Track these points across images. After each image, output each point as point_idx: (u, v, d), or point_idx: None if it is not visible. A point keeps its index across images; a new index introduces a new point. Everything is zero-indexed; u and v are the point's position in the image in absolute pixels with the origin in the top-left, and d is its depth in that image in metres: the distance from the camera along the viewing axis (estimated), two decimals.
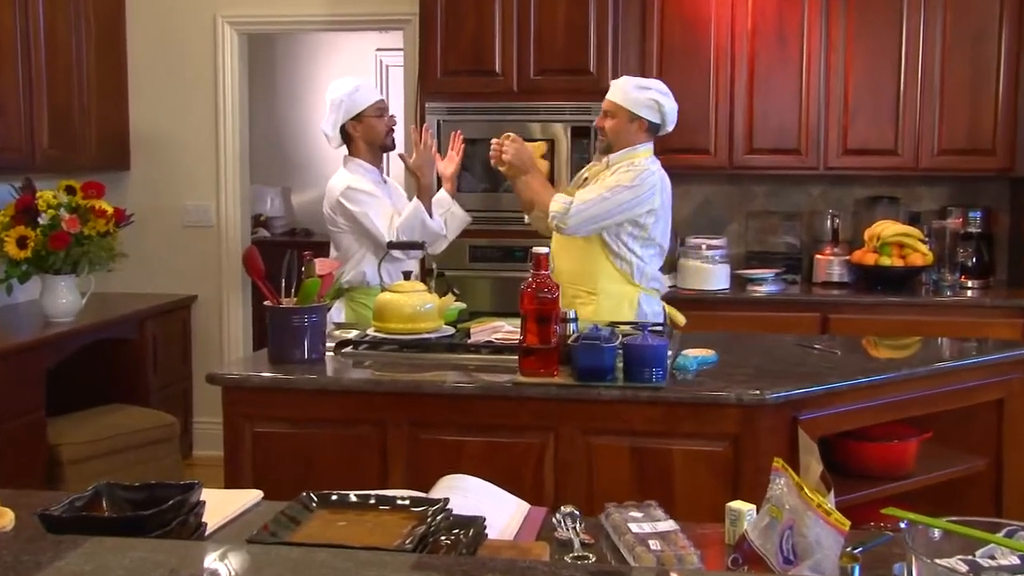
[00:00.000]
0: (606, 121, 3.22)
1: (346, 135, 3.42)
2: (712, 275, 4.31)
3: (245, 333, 4.91)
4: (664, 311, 3.38)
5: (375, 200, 3.32)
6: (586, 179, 3.32)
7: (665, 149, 4.42)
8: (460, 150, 3.51)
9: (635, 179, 3.10)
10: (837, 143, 4.35)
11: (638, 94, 3.17)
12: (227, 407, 2.52)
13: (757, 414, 2.30)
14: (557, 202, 3.12)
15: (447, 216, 3.49)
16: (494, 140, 3.24)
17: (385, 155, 3.53)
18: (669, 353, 2.53)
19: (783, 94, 4.35)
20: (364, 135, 3.39)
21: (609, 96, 3.22)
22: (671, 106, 3.21)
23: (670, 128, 3.27)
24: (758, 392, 2.30)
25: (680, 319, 3.41)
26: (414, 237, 3.24)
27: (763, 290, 4.28)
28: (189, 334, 4.87)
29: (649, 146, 3.26)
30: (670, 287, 4.38)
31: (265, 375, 2.50)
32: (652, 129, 3.21)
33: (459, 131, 3.53)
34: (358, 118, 3.37)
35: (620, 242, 3.17)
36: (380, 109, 3.39)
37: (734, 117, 4.39)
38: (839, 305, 4.16)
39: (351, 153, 3.46)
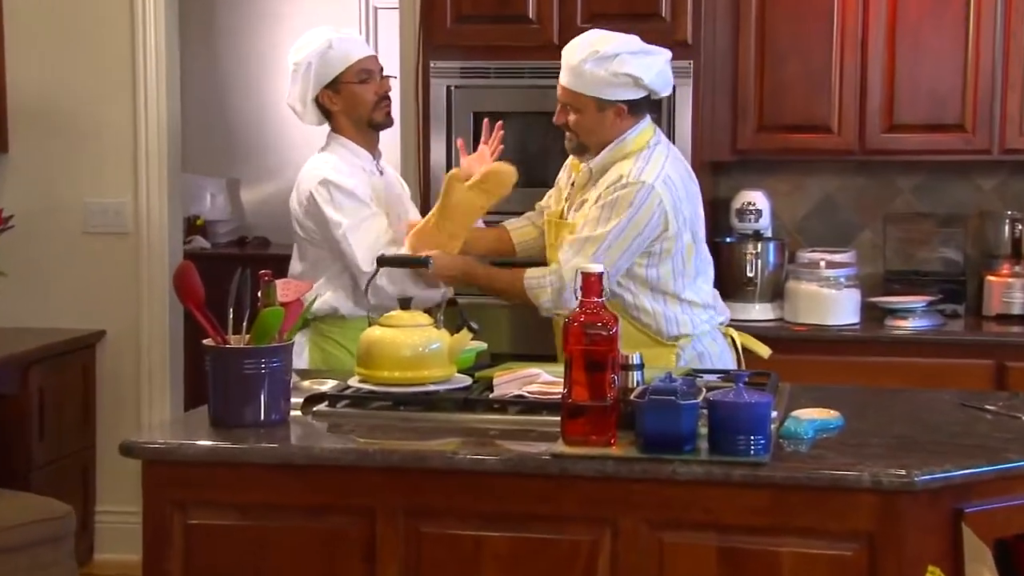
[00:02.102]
0: (567, 116, 3.23)
1: (324, 109, 3.48)
2: (835, 304, 4.32)
3: (174, 384, 4.95)
4: (735, 345, 3.39)
5: (361, 207, 3.35)
6: (567, 198, 3.34)
7: (763, 127, 4.48)
8: (498, 146, 3.52)
9: (630, 205, 3.12)
10: (1020, 116, 4.36)
11: (597, 70, 3.14)
12: (148, 490, 2.54)
13: (902, 504, 2.30)
14: (539, 283, 3.19)
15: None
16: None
17: (380, 133, 3.55)
18: (774, 414, 2.54)
19: (939, 48, 4.38)
20: (345, 108, 3.45)
21: (563, 80, 3.21)
22: (654, 66, 3.18)
23: (665, 92, 3.27)
24: (903, 472, 2.31)
25: (762, 350, 3.41)
26: (405, 289, 3.27)
27: (909, 326, 4.29)
28: (93, 386, 4.91)
29: (643, 127, 3.25)
30: (775, 320, 4.39)
31: (203, 444, 2.53)
32: (638, 107, 3.21)
33: (500, 121, 3.57)
34: (334, 86, 3.43)
35: (631, 290, 3.21)
36: (365, 71, 3.43)
37: (867, 81, 4.42)
38: (1022, 348, 4.16)
39: (334, 130, 3.50)
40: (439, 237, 3.33)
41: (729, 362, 3.36)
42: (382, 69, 3.50)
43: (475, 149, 3.55)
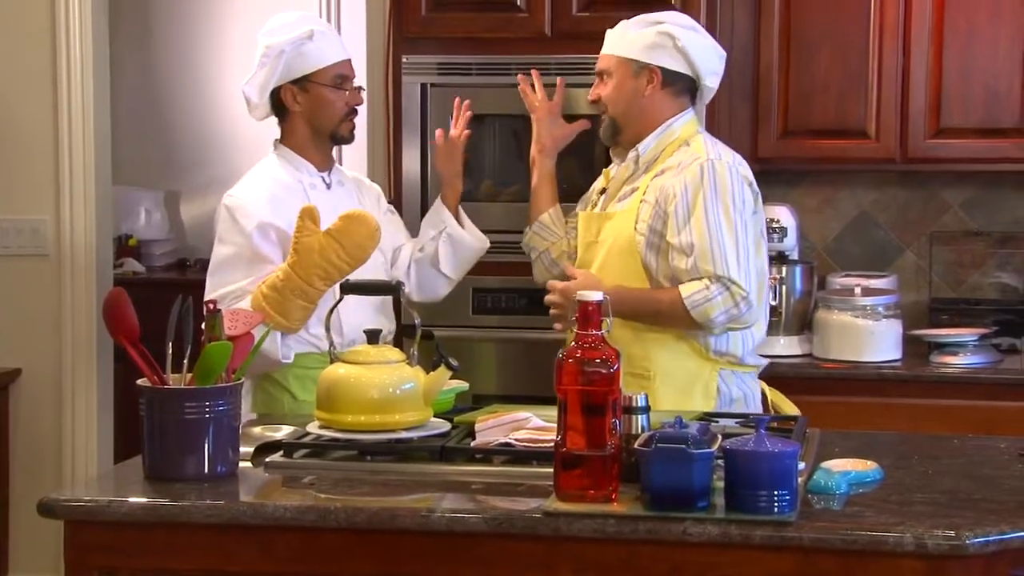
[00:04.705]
0: (604, 89, 3.39)
1: (280, 106, 3.50)
2: (872, 338, 4.34)
3: (103, 431, 4.94)
4: (764, 396, 3.42)
5: (240, 250, 3.36)
6: (595, 202, 3.45)
7: (788, 132, 4.50)
8: (463, 129, 3.61)
9: (721, 170, 3.25)
10: None
11: (640, 31, 3.34)
12: (71, 556, 2.53)
13: (951, 571, 2.31)
14: (704, 297, 3.20)
15: (443, 243, 3.57)
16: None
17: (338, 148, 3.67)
18: (801, 466, 2.55)
19: (994, 39, 4.40)
20: (308, 112, 3.48)
21: (602, 49, 3.42)
22: (703, 44, 3.37)
23: (711, 82, 3.42)
24: (952, 534, 2.31)
25: (788, 407, 3.45)
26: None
27: (959, 363, 4.30)
28: (6, 434, 4.90)
29: (690, 117, 3.40)
30: (802, 356, 4.40)
31: (137, 501, 2.52)
32: (681, 88, 3.37)
33: (467, 100, 3.62)
34: (302, 83, 3.46)
35: (681, 283, 3.26)
36: (341, 77, 3.47)
37: (910, 78, 4.45)
38: None
39: (282, 137, 3.55)
40: (283, 302, 3.25)
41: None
42: (354, 75, 3.55)
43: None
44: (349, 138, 3.55)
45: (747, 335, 3.35)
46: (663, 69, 3.34)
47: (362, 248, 3.20)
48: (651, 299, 3.30)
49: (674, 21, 3.38)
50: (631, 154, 3.40)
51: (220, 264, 3.42)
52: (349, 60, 3.53)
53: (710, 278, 3.21)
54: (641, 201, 3.32)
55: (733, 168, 3.31)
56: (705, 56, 3.38)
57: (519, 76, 3.78)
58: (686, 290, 3.23)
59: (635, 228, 3.31)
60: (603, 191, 3.51)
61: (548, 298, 3.36)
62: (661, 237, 3.28)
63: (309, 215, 3.22)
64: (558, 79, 3.75)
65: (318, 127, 3.49)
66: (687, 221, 3.24)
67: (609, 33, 3.43)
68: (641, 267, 3.30)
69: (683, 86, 3.39)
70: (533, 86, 3.74)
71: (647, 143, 3.38)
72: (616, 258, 3.34)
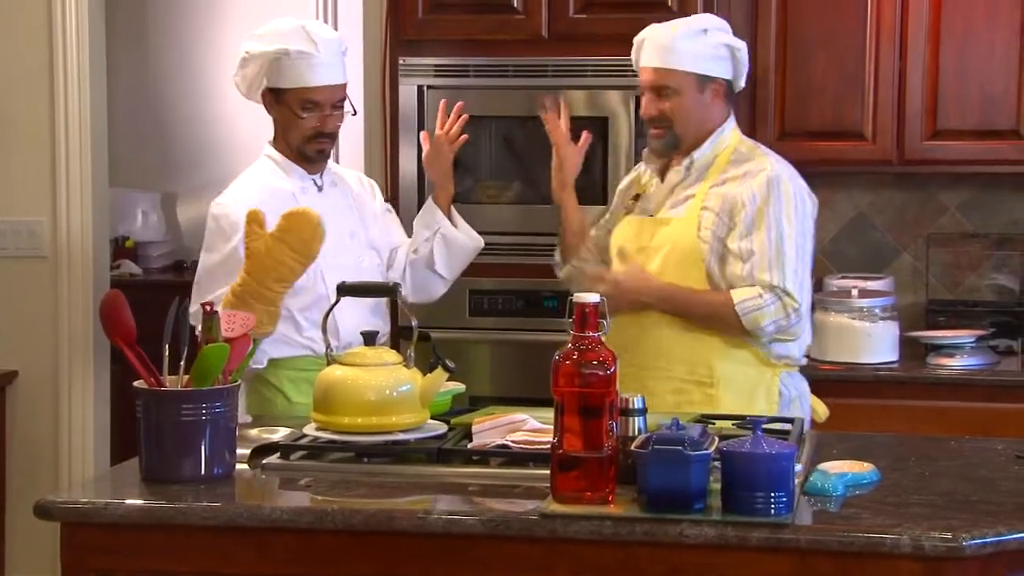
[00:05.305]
0: (665, 104, 3.34)
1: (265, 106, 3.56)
2: (869, 340, 4.35)
3: (99, 433, 4.93)
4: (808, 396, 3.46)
5: (228, 259, 3.36)
6: (630, 207, 3.43)
7: (785, 133, 4.50)
8: (458, 136, 3.59)
9: (793, 195, 3.28)
10: None
11: (694, 44, 3.31)
12: (68, 558, 2.54)
13: (948, 572, 2.31)
14: (755, 304, 3.21)
15: (437, 243, 3.57)
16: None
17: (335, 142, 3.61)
18: (798, 467, 2.55)
19: (991, 41, 4.41)
20: (279, 123, 3.53)
21: (654, 62, 3.34)
22: (743, 46, 3.39)
23: (742, 82, 3.45)
24: (949, 536, 2.31)
25: (821, 411, 3.47)
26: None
27: (956, 364, 4.31)
28: (3, 436, 4.90)
29: (734, 122, 3.44)
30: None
31: (134, 504, 2.53)
32: (731, 90, 3.40)
33: (460, 103, 3.61)
34: (278, 94, 3.48)
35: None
36: (311, 103, 3.45)
37: (906, 82, 4.46)
38: None
39: (274, 138, 3.57)
40: (245, 308, 3.09)
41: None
42: (342, 101, 3.50)
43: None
44: (315, 158, 3.52)
45: (803, 337, 3.39)
46: (723, 80, 3.35)
47: (308, 244, 3.14)
48: (702, 300, 3.31)
49: (720, 27, 3.37)
50: (685, 161, 3.38)
51: (206, 272, 3.43)
52: (331, 86, 3.46)
53: (764, 287, 3.23)
54: (702, 209, 3.31)
55: (797, 180, 3.34)
56: (746, 61, 3.41)
57: (545, 103, 3.62)
58: (738, 295, 3.24)
59: (698, 236, 3.30)
60: (636, 196, 3.48)
61: (602, 288, 3.26)
62: (725, 245, 3.29)
63: (254, 219, 3.19)
64: (561, 102, 3.61)
65: (286, 140, 3.51)
66: (751, 230, 3.26)
67: (654, 41, 3.36)
68: (703, 274, 3.29)
69: (731, 92, 3.42)
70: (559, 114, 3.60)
71: (703, 151, 3.37)
72: (675, 264, 3.31)
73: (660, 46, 3.34)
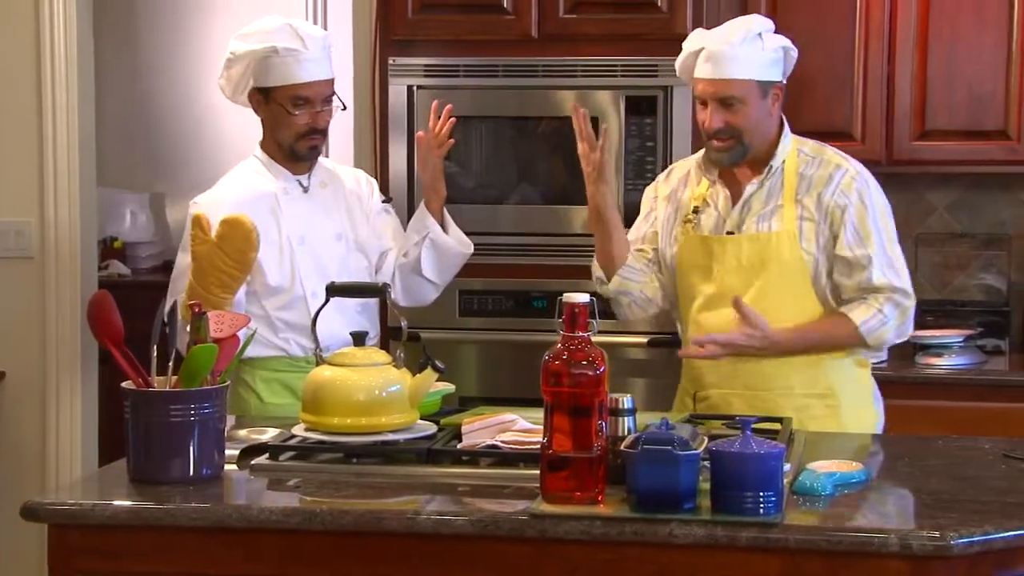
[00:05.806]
0: (731, 115, 3.25)
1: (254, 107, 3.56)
2: None
3: (87, 434, 4.91)
4: None
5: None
6: (693, 221, 3.35)
7: None
8: (446, 139, 3.56)
9: (871, 180, 3.31)
10: None
11: (753, 50, 3.26)
12: (55, 560, 2.53)
13: (936, 571, 2.32)
14: (879, 322, 3.24)
15: (426, 249, 3.57)
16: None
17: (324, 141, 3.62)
18: (787, 467, 2.56)
19: (979, 43, 4.42)
20: (269, 122, 3.53)
21: (716, 73, 3.25)
22: (793, 46, 3.38)
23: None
24: (937, 535, 2.32)
25: None
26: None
27: (944, 364, 4.31)
28: None
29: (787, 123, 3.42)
30: None
31: (121, 505, 2.52)
32: (785, 95, 3.39)
33: (448, 104, 3.61)
34: (266, 93, 3.48)
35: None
36: (301, 99, 3.45)
37: (894, 83, 4.46)
38: None
39: (262, 139, 3.58)
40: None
41: None
42: (331, 96, 3.51)
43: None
44: (307, 155, 3.52)
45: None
46: (781, 83, 3.34)
47: (242, 252, 3.16)
48: (829, 336, 3.31)
49: (770, 27, 3.33)
50: (763, 171, 3.33)
51: (180, 272, 3.43)
52: (320, 81, 3.47)
53: (884, 291, 3.25)
54: (799, 219, 3.29)
55: (870, 175, 3.36)
56: (795, 59, 3.41)
57: (578, 113, 3.36)
58: (858, 317, 3.24)
59: (801, 247, 3.28)
60: (695, 209, 3.38)
61: (757, 344, 3.20)
62: (833, 254, 3.27)
63: (198, 223, 3.20)
64: (584, 116, 3.35)
65: (277, 139, 3.51)
66: (859, 235, 3.27)
67: (711, 54, 3.25)
68: (809, 287, 3.28)
69: (786, 94, 3.39)
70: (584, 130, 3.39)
71: (778, 159, 3.33)
72: (780, 280, 3.27)
73: (720, 55, 3.24)
